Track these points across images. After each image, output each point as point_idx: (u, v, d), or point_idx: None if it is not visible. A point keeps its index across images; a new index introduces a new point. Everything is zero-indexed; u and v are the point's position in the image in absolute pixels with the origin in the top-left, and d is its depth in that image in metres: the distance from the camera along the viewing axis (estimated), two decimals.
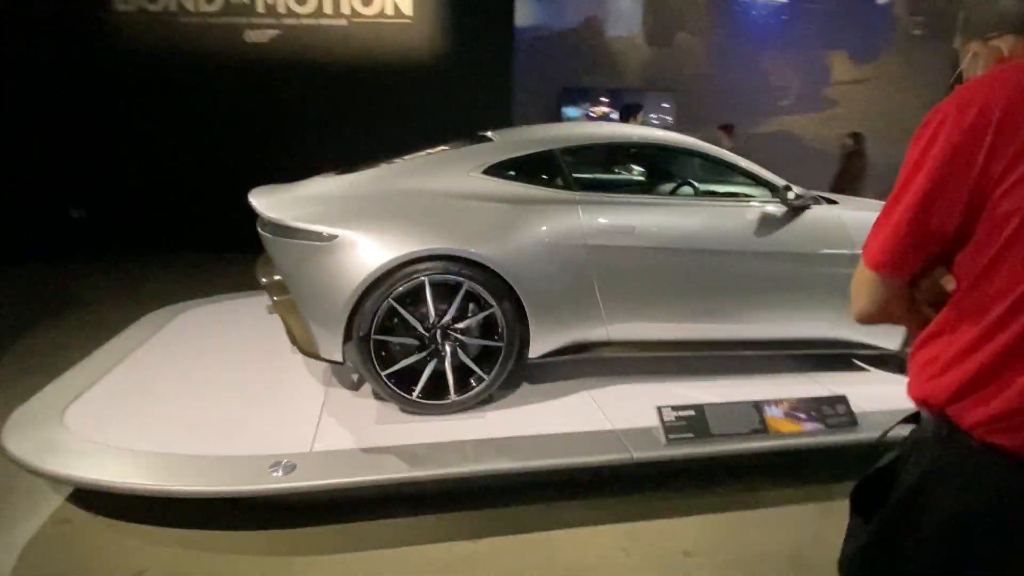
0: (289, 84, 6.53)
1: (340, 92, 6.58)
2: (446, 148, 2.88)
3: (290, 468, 2.07)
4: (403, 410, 2.53)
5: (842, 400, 2.56)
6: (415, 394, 2.46)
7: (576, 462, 2.23)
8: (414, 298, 2.40)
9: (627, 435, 2.39)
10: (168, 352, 3.13)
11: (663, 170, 3.22)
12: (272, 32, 6.55)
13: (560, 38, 6.73)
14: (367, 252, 2.33)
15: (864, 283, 0.98)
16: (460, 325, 2.45)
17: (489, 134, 2.96)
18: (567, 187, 2.68)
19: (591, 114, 6.46)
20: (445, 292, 2.42)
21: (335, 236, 2.37)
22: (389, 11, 6.48)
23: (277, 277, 2.65)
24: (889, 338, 2.97)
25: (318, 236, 2.39)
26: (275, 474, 2.03)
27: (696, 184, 3.10)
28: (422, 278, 2.35)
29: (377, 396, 2.66)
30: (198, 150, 6.55)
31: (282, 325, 2.72)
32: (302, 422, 2.43)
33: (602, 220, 2.59)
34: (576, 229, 2.56)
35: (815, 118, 7.50)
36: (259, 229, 2.66)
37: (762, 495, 2.53)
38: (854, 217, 2.86)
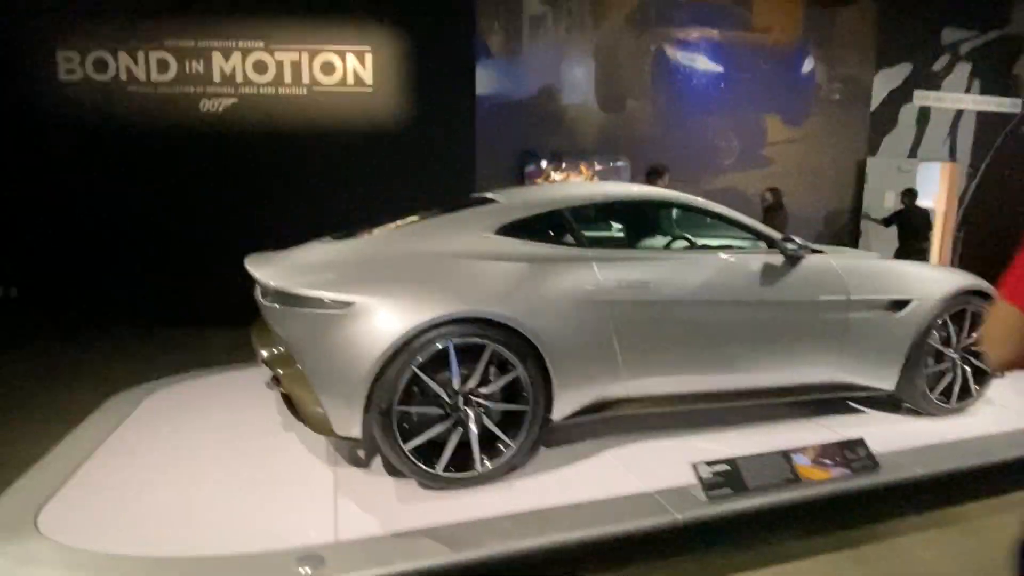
0: (247, 154, 6.40)
1: (300, 161, 6.50)
2: (440, 212, 2.85)
3: (319, 562, 1.86)
4: (423, 485, 2.36)
5: (861, 443, 2.59)
6: (439, 468, 2.31)
7: (623, 529, 2.13)
8: (435, 365, 2.28)
9: (665, 496, 2.32)
10: (145, 438, 2.83)
11: (663, 226, 3.30)
12: (229, 101, 6.45)
13: (519, 105, 6.96)
14: (387, 318, 2.22)
15: (1007, 322, 0.96)
16: (485, 390, 2.35)
17: (491, 195, 2.95)
18: (579, 244, 2.68)
19: (555, 177, 6.67)
20: (465, 357, 2.32)
21: (351, 303, 2.25)
22: (350, 80, 6.55)
23: (278, 349, 2.48)
24: (885, 380, 3.07)
25: (332, 304, 2.26)
26: (305, 571, 1.81)
27: (692, 238, 3.19)
28: (446, 343, 2.25)
29: (391, 471, 2.48)
30: (147, 222, 6.24)
31: (280, 400, 2.54)
32: (317, 507, 2.22)
33: (617, 276, 2.59)
34: (594, 285, 2.55)
35: (757, 175, 8.00)
36: (260, 299, 2.50)
37: (793, 547, 2.48)
38: (845, 265, 3.01)
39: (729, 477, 2.33)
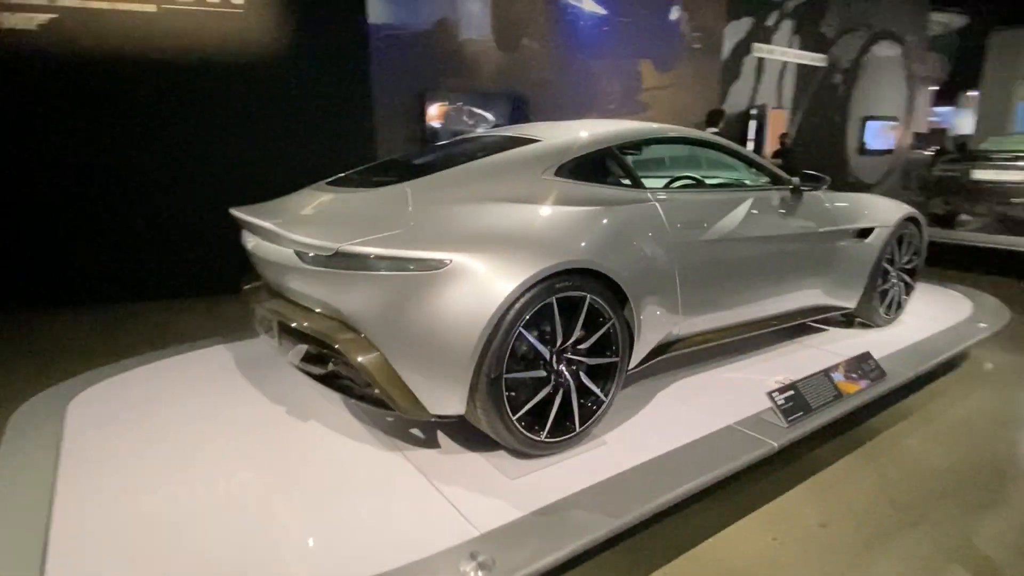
0: (72, 87, 5.04)
1: (149, 96, 5.30)
2: (450, 153, 2.50)
3: (488, 559, 1.61)
4: (520, 455, 2.15)
5: (869, 356, 2.92)
6: (544, 434, 2.11)
7: (734, 466, 2.15)
8: (532, 324, 2.04)
9: (749, 426, 2.40)
10: (114, 453, 2.17)
11: (691, 164, 3.29)
12: (43, 18, 4.96)
13: (415, 38, 6.37)
14: (492, 275, 1.91)
15: None
16: (584, 345, 2.17)
17: (527, 133, 2.67)
18: (637, 185, 2.56)
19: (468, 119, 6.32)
20: (546, 312, 2.10)
21: (447, 261, 1.89)
22: None
23: (319, 324, 2.03)
24: (851, 299, 3.48)
25: (424, 264, 1.89)
26: (479, 563, 1.55)
27: (720, 176, 3.25)
28: (550, 298, 2.02)
29: (470, 444, 2.22)
30: None
31: (315, 383, 2.12)
32: (427, 503, 1.90)
33: (677, 216, 2.53)
34: (661, 227, 2.46)
35: (635, 118, 8.41)
36: (299, 262, 2.01)
37: (821, 454, 2.74)
38: (830, 199, 3.29)
39: (797, 401, 2.48)
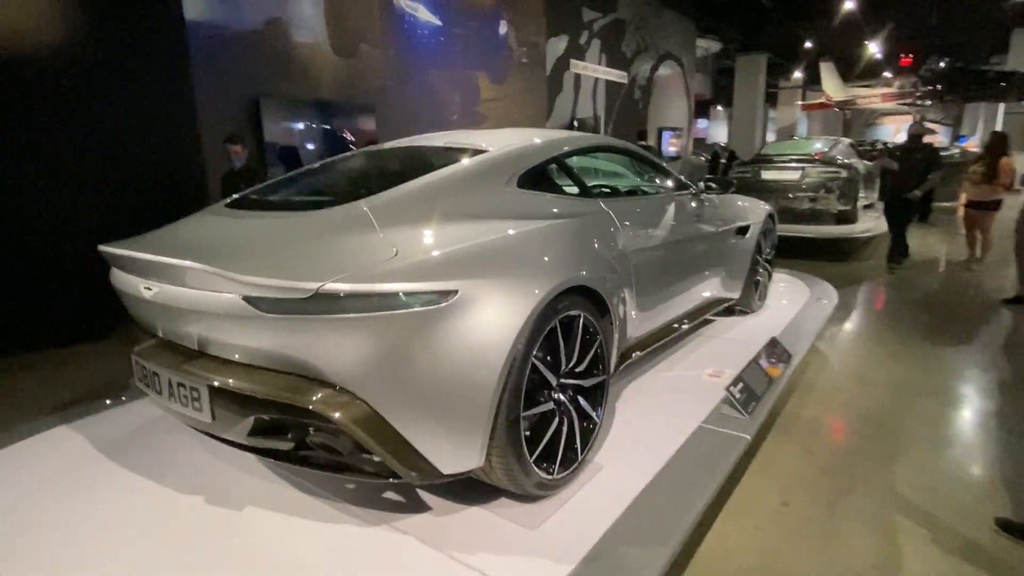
0: None
1: None
2: (384, 165, 2.21)
3: None
4: (528, 498, 1.93)
5: (776, 341, 3.21)
6: (555, 470, 1.92)
7: (729, 465, 2.18)
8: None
9: (716, 423, 2.46)
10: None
11: (618, 172, 3.27)
12: None
13: (243, 39, 5.58)
14: (505, 302, 1.67)
15: None
16: (579, 368, 2.02)
17: (460, 142, 2.43)
18: (588, 195, 2.47)
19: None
20: (548, 338, 1.93)
21: (453, 292, 1.61)
22: None
23: (272, 384, 1.61)
24: (735, 291, 3.82)
25: (428, 298, 1.58)
26: None
27: (641, 184, 3.31)
28: (553, 321, 1.84)
29: (451, 502, 1.93)
30: None
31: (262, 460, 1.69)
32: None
33: (629, 225, 2.51)
34: (617, 235, 2.41)
35: (476, 130, 8.44)
36: (250, 309, 1.56)
37: (760, 439, 2.96)
38: (715, 200, 3.57)
39: (748, 392, 2.62)
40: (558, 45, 10.10)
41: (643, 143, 9.28)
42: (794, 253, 7.39)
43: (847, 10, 13.87)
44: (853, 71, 20.43)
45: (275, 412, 1.63)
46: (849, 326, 5.00)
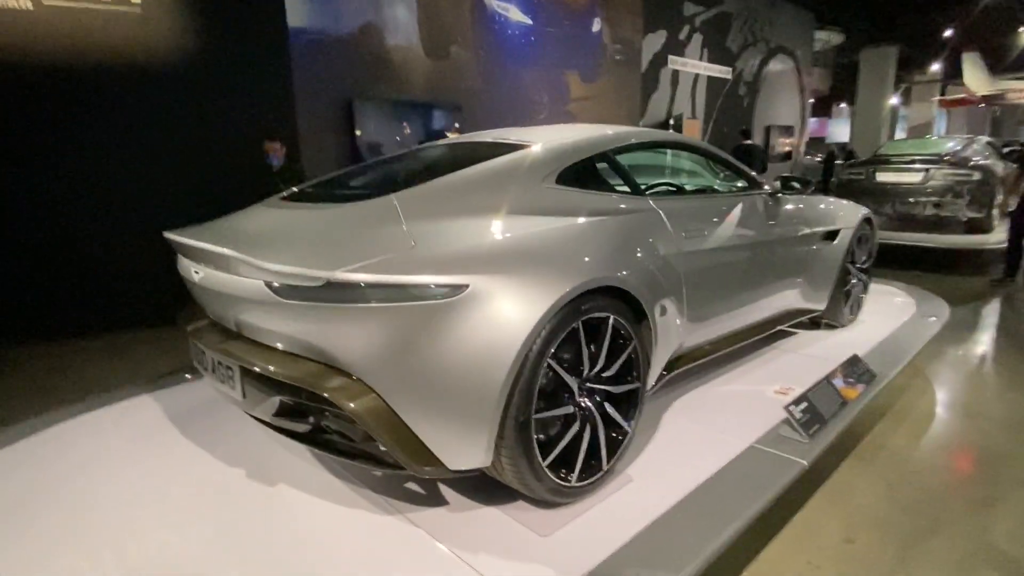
0: None
1: (27, 102, 4.54)
2: (420, 163, 2.24)
3: None
4: (545, 504, 1.86)
5: (858, 359, 2.89)
6: (574, 477, 1.84)
7: (774, 493, 1.98)
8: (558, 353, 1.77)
9: (771, 444, 2.25)
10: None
11: (678, 169, 3.15)
12: None
13: (340, 44, 5.92)
14: (516, 299, 1.63)
15: None
16: (609, 372, 1.93)
17: (509, 138, 2.40)
18: (638, 193, 2.36)
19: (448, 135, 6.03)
20: (570, 339, 1.85)
21: (463, 286, 1.59)
22: None
23: (295, 368, 1.66)
24: (822, 301, 3.48)
25: (436, 291, 1.57)
26: None
27: (706, 182, 3.14)
28: (576, 322, 1.76)
29: (468, 499, 1.90)
30: None
31: (289, 439, 1.73)
32: None
33: (681, 223, 2.36)
34: (668, 237, 2.28)
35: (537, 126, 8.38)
36: (271, 295, 1.62)
37: (824, 464, 2.67)
38: (799, 201, 3.27)
39: (812, 413, 2.37)
40: (655, 41, 9.78)
41: (748, 142, 8.76)
42: (913, 264, 6.66)
43: None
44: (1003, 62, 18.03)
45: (296, 396, 1.70)
46: (963, 349, 4.41)
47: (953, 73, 19.37)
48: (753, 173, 3.05)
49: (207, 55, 5.09)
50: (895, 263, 6.70)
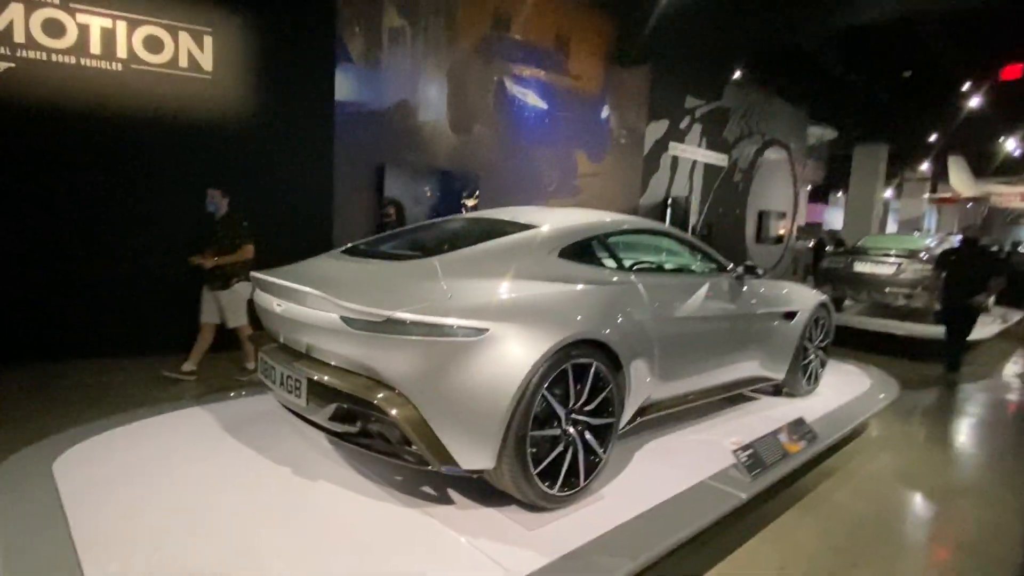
0: (28, 136, 4.93)
1: (108, 150, 5.26)
2: (442, 233, 2.82)
3: None
4: (535, 508, 2.36)
5: (803, 421, 3.42)
6: (557, 488, 2.35)
7: (716, 515, 2.48)
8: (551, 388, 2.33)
9: (719, 480, 2.75)
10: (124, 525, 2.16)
11: (655, 251, 3.77)
12: (3, 65, 4.88)
13: (376, 117, 6.74)
14: (524, 343, 2.20)
15: None
16: (590, 407, 2.47)
17: (520, 219, 3.03)
18: (623, 268, 2.97)
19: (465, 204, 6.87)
20: (562, 378, 2.41)
21: (485, 329, 2.16)
22: (183, 63, 5.55)
23: (350, 383, 2.22)
24: (780, 372, 4.04)
25: (465, 331, 2.14)
26: None
27: (679, 263, 3.73)
28: (566, 364, 2.33)
29: (472, 500, 2.40)
30: None
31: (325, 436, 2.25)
32: (453, 554, 2.07)
33: (656, 295, 2.96)
34: (643, 305, 2.87)
35: (570, 201, 9.15)
36: (344, 326, 2.19)
37: (766, 510, 3.13)
38: (761, 284, 3.89)
39: (755, 459, 2.88)
40: (658, 128, 10.72)
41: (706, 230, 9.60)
42: (876, 347, 7.22)
43: (974, 107, 13.41)
44: (988, 166, 19.23)
45: (350, 403, 2.24)
46: (914, 426, 4.92)
47: (942, 172, 20.55)
48: (722, 258, 3.68)
49: (262, 118, 5.87)
50: (865, 346, 7.25)
